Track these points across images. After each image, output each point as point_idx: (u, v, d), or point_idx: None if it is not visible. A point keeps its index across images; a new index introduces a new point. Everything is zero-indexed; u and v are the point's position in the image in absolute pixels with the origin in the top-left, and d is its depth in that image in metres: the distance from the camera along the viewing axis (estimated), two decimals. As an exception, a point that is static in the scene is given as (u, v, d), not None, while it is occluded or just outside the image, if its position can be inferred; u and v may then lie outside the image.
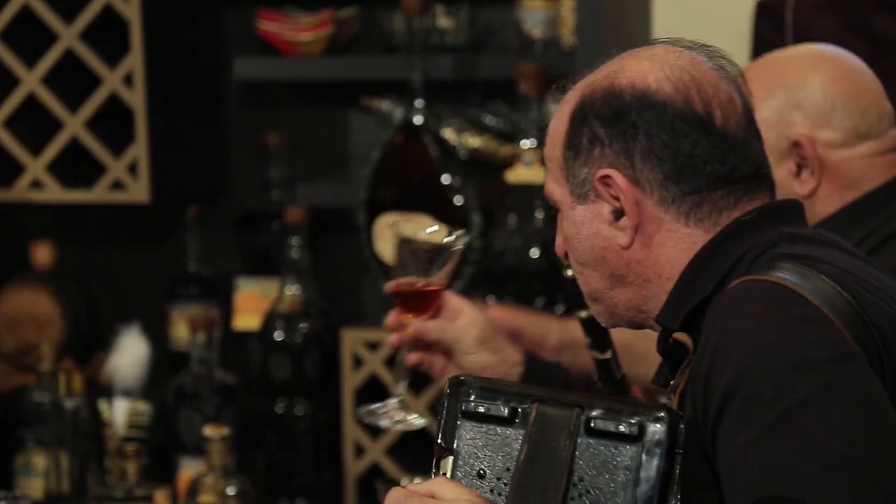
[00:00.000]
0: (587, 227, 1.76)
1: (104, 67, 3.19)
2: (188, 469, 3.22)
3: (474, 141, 3.18)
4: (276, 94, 3.40)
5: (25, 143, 3.27)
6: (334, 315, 3.27)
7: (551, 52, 3.10)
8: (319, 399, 3.24)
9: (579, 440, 1.59)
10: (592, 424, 1.60)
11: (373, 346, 3.14)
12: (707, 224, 1.72)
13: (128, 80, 3.18)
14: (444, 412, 1.64)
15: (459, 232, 2.18)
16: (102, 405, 3.27)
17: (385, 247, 3.09)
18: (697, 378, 1.62)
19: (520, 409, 1.62)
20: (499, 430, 1.62)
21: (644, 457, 1.58)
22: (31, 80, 3.23)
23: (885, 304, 1.67)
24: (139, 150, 3.21)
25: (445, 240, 2.14)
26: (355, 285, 3.37)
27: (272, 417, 3.24)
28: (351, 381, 3.15)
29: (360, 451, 3.14)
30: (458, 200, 3.05)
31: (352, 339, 3.15)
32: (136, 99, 3.18)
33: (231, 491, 2.92)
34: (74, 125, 3.23)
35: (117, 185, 3.24)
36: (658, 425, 1.59)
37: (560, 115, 1.79)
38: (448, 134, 3.15)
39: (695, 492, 1.58)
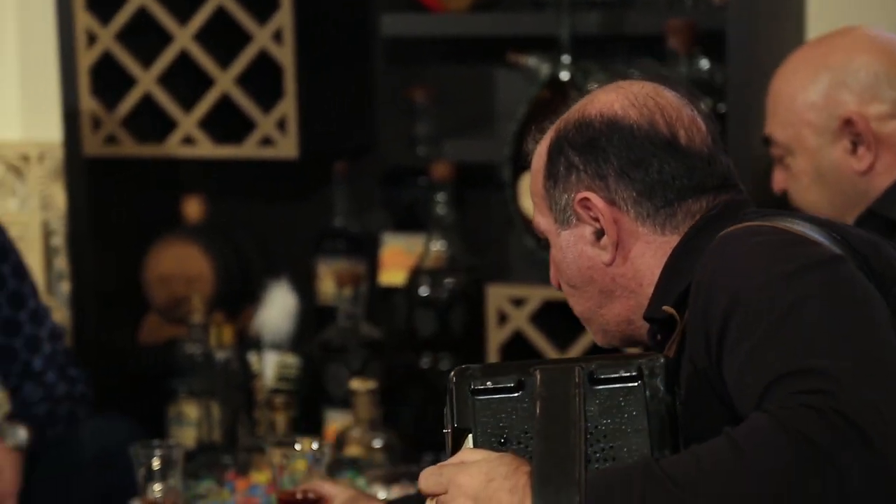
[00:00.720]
0: (572, 250, 1.89)
1: (254, 24, 3.23)
2: (335, 421, 3.26)
3: (622, 96, 3.16)
4: (422, 51, 3.41)
5: (178, 99, 3.33)
6: (479, 271, 3.28)
7: (701, 7, 3.07)
8: (464, 354, 3.25)
9: (587, 392, 1.67)
10: (595, 376, 1.68)
11: (518, 302, 3.15)
12: (682, 229, 1.85)
13: (277, 36, 3.22)
14: (454, 398, 1.72)
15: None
16: (252, 357, 3.32)
17: (530, 203, 3.09)
18: (696, 319, 1.71)
19: (524, 378, 1.69)
20: (509, 398, 1.69)
21: (648, 394, 1.66)
22: (183, 38, 3.29)
23: (870, 247, 1.75)
24: (288, 106, 3.24)
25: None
26: (500, 241, 3.37)
27: (417, 372, 3.27)
28: (496, 336, 3.16)
29: (505, 405, 3.15)
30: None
31: (497, 295, 3.16)
32: (285, 55, 3.22)
33: (377, 444, 2.95)
34: (225, 81, 3.28)
35: (266, 141, 3.28)
36: (656, 363, 1.68)
37: (539, 151, 1.94)
38: (595, 90, 3.14)
39: (705, 434, 1.62)
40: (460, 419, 1.70)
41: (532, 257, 3.20)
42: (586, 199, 1.86)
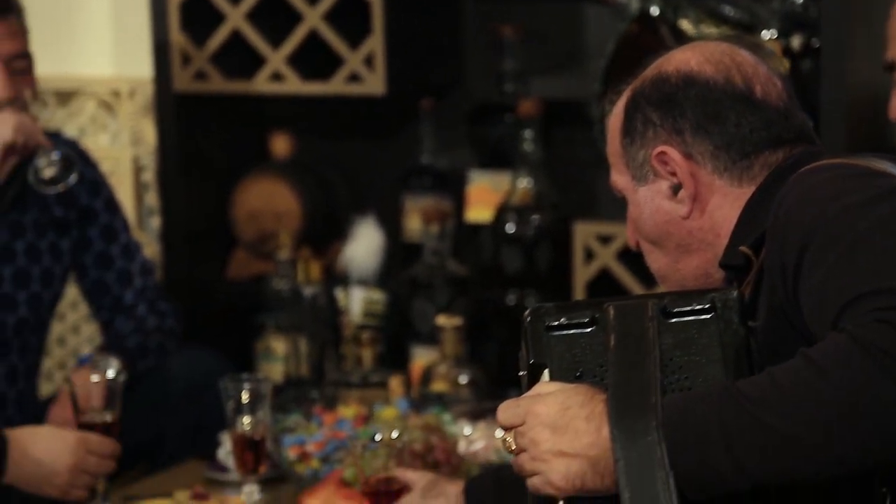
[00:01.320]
0: (650, 206, 1.90)
1: (342, -40, 3.23)
2: (421, 357, 3.28)
3: (712, 32, 3.13)
4: (510, -13, 3.40)
5: (266, 35, 3.34)
6: (566, 208, 3.28)
7: (793, -58, 3.03)
8: (550, 291, 3.26)
9: (661, 325, 1.67)
10: (668, 310, 1.68)
11: (605, 239, 3.14)
12: (758, 181, 1.86)
13: (365, -28, 3.22)
14: (529, 336, 1.71)
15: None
16: (339, 293, 3.34)
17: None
18: (772, 256, 1.72)
19: (597, 314, 1.69)
20: (583, 333, 1.69)
21: (722, 326, 1.66)
22: (271, -26, 3.29)
23: None
24: (375, 42, 3.24)
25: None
26: (587, 178, 3.36)
27: (503, 309, 3.27)
28: (582, 274, 3.16)
29: (590, 343, 3.15)
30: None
31: (583, 232, 3.16)
32: (373, -9, 3.22)
33: (463, 380, 2.96)
34: (313, 18, 3.28)
35: (354, 78, 3.28)
36: (729, 296, 1.68)
37: (615, 111, 1.95)
38: (685, 25, 3.11)
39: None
40: (536, 355, 1.71)
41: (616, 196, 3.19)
42: (663, 153, 1.87)
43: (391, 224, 3.43)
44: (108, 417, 2.46)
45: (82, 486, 2.38)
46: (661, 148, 1.87)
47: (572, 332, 1.70)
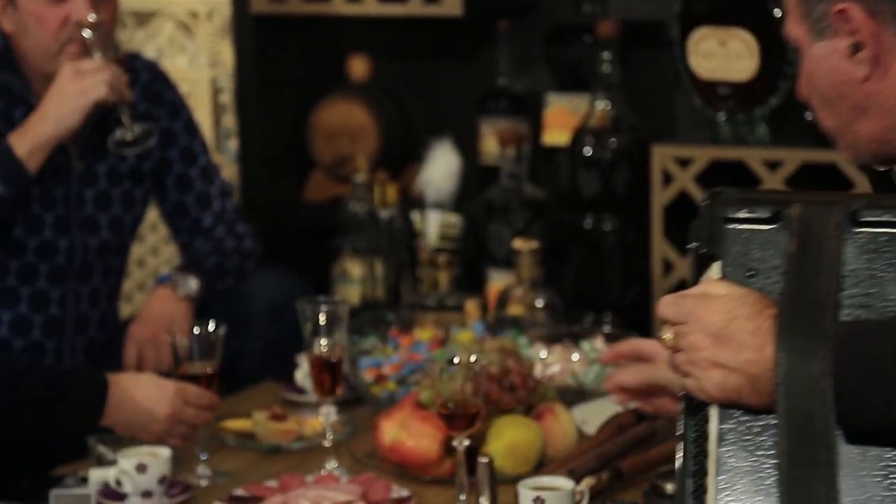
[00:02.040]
0: (825, 64, 1.79)
1: None
2: (497, 281, 3.27)
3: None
4: None
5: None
6: (644, 130, 3.25)
7: None
8: (628, 215, 3.24)
9: (846, 233, 1.57)
10: (857, 217, 1.58)
11: (683, 162, 3.11)
12: None
13: None
14: (705, 222, 1.63)
15: None
16: (415, 216, 3.34)
17: (698, 62, 3.04)
18: None
19: (781, 210, 1.60)
20: (763, 230, 1.60)
21: None
22: None
23: None
24: (453, -37, 3.22)
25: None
26: (666, 100, 3.33)
27: (580, 232, 3.26)
28: (660, 197, 3.13)
29: (668, 266, 3.14)
30: (776, 12, 2.97)
31: (662, 155, 3.13)
32: (450, -89, 3.19)
33: (539, 303, 2.95)
34: (390, -62, 3.26)
35: (431, -1, 3.27)
36: None
37: None
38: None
39: None
40: (708, 245, 1.62)
41: (698, 116, 3.16)
42: (845, 10, 1.75)
43: (467, 147, 3.42)
44: (207, 369, 2.48)
45: (178, 435, 2.41)
46: (843, 5, 1.75)
47: (752, 227, 1.60)
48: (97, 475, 2.34)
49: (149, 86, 2.99)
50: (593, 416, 2.63)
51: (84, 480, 2.36)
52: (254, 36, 3.41)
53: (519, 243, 2.95)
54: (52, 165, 2.85)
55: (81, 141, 2.90)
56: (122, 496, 2.32)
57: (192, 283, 2.84)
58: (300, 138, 3.54)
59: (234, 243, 3.01)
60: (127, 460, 2.31)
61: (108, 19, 2.84)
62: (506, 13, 3.41)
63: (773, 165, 3.04)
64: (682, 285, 3.06)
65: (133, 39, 3.75)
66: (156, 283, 2.92)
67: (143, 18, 3.75)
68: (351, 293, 3.33)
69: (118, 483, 2.32)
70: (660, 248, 3.14)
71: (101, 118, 2.91)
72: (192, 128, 3.05)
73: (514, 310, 2.95)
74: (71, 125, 2.74)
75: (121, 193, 2.95)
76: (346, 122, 3.51)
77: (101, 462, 2.45)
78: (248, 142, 3.47)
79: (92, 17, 2.78)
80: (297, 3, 3.37)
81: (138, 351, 2.89)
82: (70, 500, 2.33)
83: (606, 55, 3.21)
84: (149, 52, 3.71)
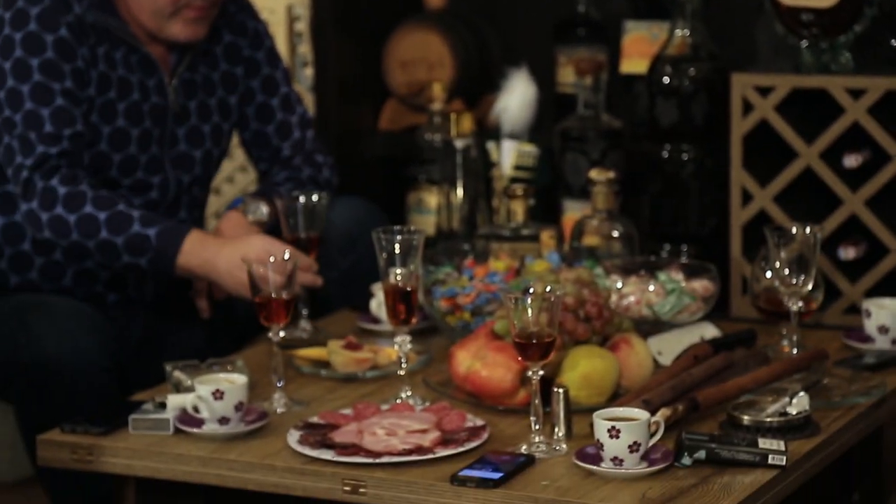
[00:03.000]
0: None
1: None
2: (573, 211, 3.25)
3: None
4: None
5: None
6: (724, 58, 3.20)
7: None
8: (706, 144, 3.20)
9: None
10: None
11: (764, 90, 3.06)
12: None
13: None
14: None
15: None
16: (491, 146, 3.32)
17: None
18: None
19: None
20: None
21: None
22: None
23: None
24: None
25: None
26: (747, 28, 3.28)
27: (658, 162, 3.23)
28: (740, 127, 3.09)
29: (747, 197, 3.10)
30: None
31: (742, 84, 3.08)
32: None
33: (615, 233, 2.93)
34: None
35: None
36: None
37: None
38: None
39: None
40: None
41: (780, 44, 3.10)
42: None
43: (544, 76, 3.39)
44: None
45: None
46: None
47: None
48: (175, 401, 2.36)
49: (234, 16, 2.99)
50: (669, 346, 2.62)
51: (162, 406, 2.38)
52: (329, -37, 3.39)
53: (595, 173, 2.93)
54: (152, 105, 2.85)
55: (177, 79, 2.90)
56: (200, 422, 2.34)
57: (263, 208, 2.85)
58: (375, 67, 3.52)
59: (312, 172, 3.01)
60: (204, 387, 2.33)
61: None
62: (584, -60, 3.37)
63: (856, 94, 2.99)
64: (760, 215, 3.04)
65: (209, -33, 3.73)
66: (227, 208, 2.92)
67: (219, -54, 3.73)
68: (426, 223, 3.32)
69: (195, 409, 2.34)
70: (739, 178, 3.10)
71: (193, 55, 2.91)
72: (273, 57, 3.04)
73: (590, 240, 2.93)
74: (229, 291, 2.75)
75: (210, 128, 2.95)
76: (421, 50, 3.49)
77: (179, 388, 2.47)
78: (324, 70, 3.46)
79: None
80: (374, -70, 3.34)
81: (255, 269, 2.89)
82: (149, 425, 2.35)
83: (687, -19, 3.16)
84: (224, -19, 3.69)
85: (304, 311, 2.77)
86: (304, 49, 3.73)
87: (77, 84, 2.75)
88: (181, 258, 2.71)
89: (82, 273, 2.87)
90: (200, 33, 2.84)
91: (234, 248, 2.69)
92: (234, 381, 2.36)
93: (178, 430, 2.35)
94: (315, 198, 2.71)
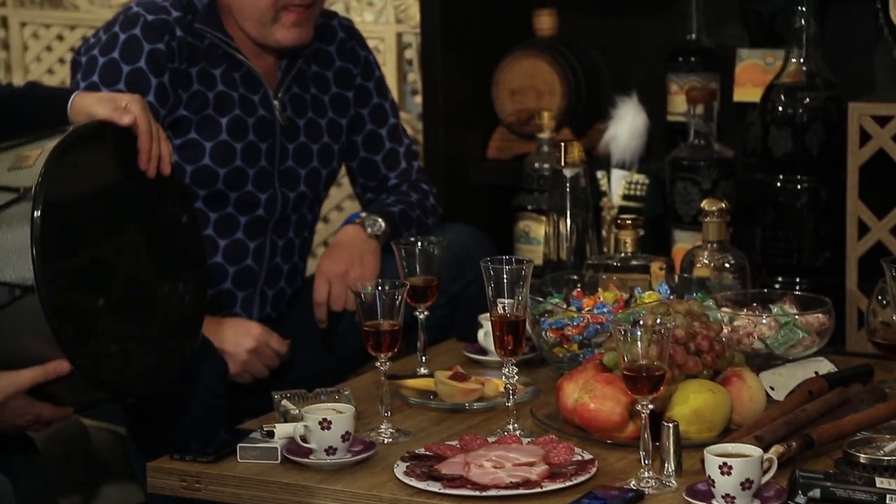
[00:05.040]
0: None
1: None
2: (683, 242, 3.21)
3: None
4: None
5: None
6: (841, 87, 3.14)
7: None
8: (821, 174, 3.14)
9: None
10: None
11: (882, 120, 3.00)
12: None
13: None
14: None
15: None
16: (600, 175, 3.29)
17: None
18: None
19: None
20: None
21: None
22: None
23: None
24: (643, -85, 3.15)
25: None
26: (865, 55, 3.22)
27: (771, 192, 3.17)
28: (856, 156, 3.03)
29: (863, 229, 3.04)
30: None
31: (859, 113, 3.02)
32: None
33: (727, 265, 2.89)
34: None
35: (620, -48, 3.20)
36: None
37: None
38: None
39: None
40: None
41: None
42: None
43: (655, 104, 3.35)
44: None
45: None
46: None
47: None
48: (283, 429, 2.36)
49: (345, 43, 3.02)
50: (782, 381, 2.57)
51: (270, 435, 2.37)
52: (440, -9, 3.39)
53: (707, 203, 2.89)
54: (259, 119, 2.87)
55: (283, 94, 2.92)
56: (307, 451, 2.33)
57: (380, 222, 2.88)
58: (484, 94, 3.51)
59: (419, 197, 3.03)
60: (312, 416, 2.32)
61: None
62: (697, -34, 3.33)
63: (976, 124, 2.92)
64: (877, 247, 2.97)
65: (319, -5, 3.75)
66: (344, 223, 2.95)
67: (330, -26, 3.75)
68: (534, 253, 3.30)
69: (303, 438, 2.33)
70: (855, 209, 3.04)
71: (298, 72, 2.93)
72: (383, 88, 3.08)
73: (701, 272, 2.89)
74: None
75: (319, 147, 2.97)
76: (530, 78, 3.47)
77: (287, 417, 2.47)
78: (433, 98, 3.45)
79: None
80: (484, -43, 3.33)
81: (328, 287, 2.91)
82: (256, 454, 2.35)
83: (803, 9, 3.10)
84: (337, 7, 3.72)
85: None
86: (414, 77, 3.73)
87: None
88: None
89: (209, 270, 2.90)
90: (304, 36, 2.86)
91: (233, 329, 2.73)
92: (341, 411, 2.35)
93: (285, 459, 2.34)
94: (433, 243, 2.69)
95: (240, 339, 2.82)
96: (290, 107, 2.93)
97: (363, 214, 2.95)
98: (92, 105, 2.43)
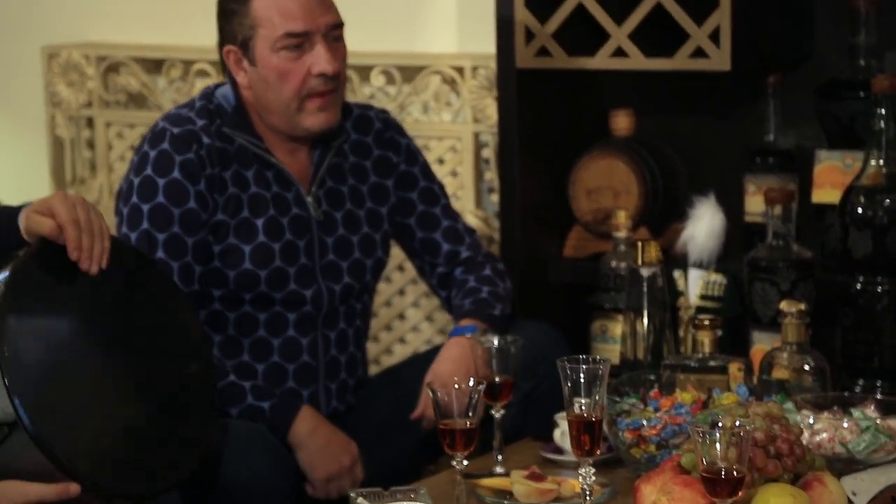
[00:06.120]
0: None
1: (691, -67, 3.16)
2: (762, 343, 3.18)
3: None
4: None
5: (610, 11, 3.29)
6: (921, 190, 3.12)
7: None
8: (902, 277, 3.11)
9: None
10: None
11: (963, 223, 2.98)
12: None
13: (714, -55, 3.14)
14: None
15: None
16: (677, 275, 3.27)
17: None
18: None
19: None
20: None
21: None
22: (617, -52, 3.25)
23: None
24: (722, 16, 3.15)
25: None
26: (946, 159, 3.20)
27: (851, 294, 3.14)
28: (937, 260, 3.00)
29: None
30: None
31: (940, 216, 3.00)
32: (720, -35, 3.13)
33: (806, 367, 2.86)
34: (658, -8, 3.22)
35: (698, 53, 3.21)
36: None
37: None
38: None
39: None
40: None
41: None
42: None
43: (732, 204, 3.35)
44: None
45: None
46: None
47: None
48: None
49: (382, 133, 3.04)
50: (864, 486, 2.53)
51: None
52: (518, 91, 3.40)
53: (786, 305, 2.87)
54: (292, 218, 2.89)
55: (316, 189, 2.94)
56: (381, 548, 2.32)
57: (494, 339, 2.83)
58: (561, 193, 3.52)
59: (505, 287, 3.04)
60: (386, 514, 2.31)
61: (343, 69, 2.89)
62: (776, 67, 3.33)
63: None
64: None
65: (400, 94, 3.78)
66: (451, 334, 2.93)
67: (410, 74, 3.79)
68: (610, 352, 3.28)
69: (378, 535, 2.32)
70: (936, 312, 3.01)
71: (332, 166, 2.95)
72: (429, 172, 3.10)
73: (780, 373, 2.87)
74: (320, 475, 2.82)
75: (360, 238, 2.98)
76: (607, 177, 3.47)
77: (362, 514, 2.46)
78: (510, 196, 3.46)
79: (332, 69, 2.83)
80: (562, 58, 3.35)
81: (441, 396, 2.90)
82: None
83: (882, 111, 3.09)
84: (414, 107, 3.75)
85: (495, 442, 2.65)
86: (491, 175, 3.75)
87: (186, 229, 2.78)
88: (291, 436, 2.74)
89: (269, 370, 2.90)
90: (332, 120, 2.89)
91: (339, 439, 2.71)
92: (417, 509, 2.34)
93: (361, 557, 2.33)
94: (509, 342, 2.67)
95: (337, 454, 2.80)
96: (325, 201, 2.94)
97: (480, 328, 2.92)
98: (25, 220, 2.37)
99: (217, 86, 2.96)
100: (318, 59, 2.84)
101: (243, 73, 2.88)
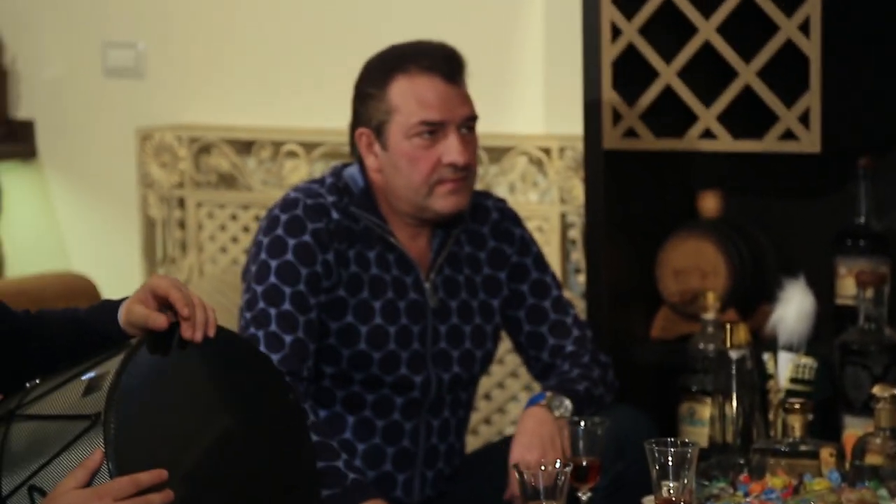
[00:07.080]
0: None
1: (781, 15, 3.14)
2: (854, 428, 3.13)
3: None
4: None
5: (698, 92, 3.29)
6: None
7: None
8: None
9: None
10: None
11: None
12: None
13: (804, 27, 3.12)
14: None
15: None
16: (767, 357, 3.24)
17: None
18: None
19: None
20: None
21: None
22: (707, 30, 3.23)
23: None
24: (812, 98, 3.14)
25: None
26: None
27: (944, 379, 3.10)
28: None
29: None
30: None
31: None
32: (811, 46, 3.12)
33: (900, 453, 2.81)
34: (747, 74, 3.20)
35: (788, 135, 3.19)
36: None
37: None
38: None
39: None
40: None
41: None
42: None
43: (823, 287, 3.31)
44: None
45: None
46: None
47: None
48: None
49: (498, 224, 3.03)
50: (960, 576, 2.48)
51: None
52: (605, 171, 3.40)
53: (879, 389, 2.83)
54: (409, 303, 2.89)
55: (434, 276, 2.94)
56: None
57: (567, 402, 2.82)
58: (648, 274, 3.50)
59: (601, 373, 3.00)
60: None
61: (475, 160, 2.90)
62: (867, 149, 3.30)
63: None
64: None
65: (487, 175, 3.80)
66: (528, 404, 2.90)
67: (498, 154, 3.80)
68: (698, 435, 3.25)
69: None
70: None
71: (449, 254, 2.95)
72: (541, 263, 3.07)
73: (873, 459, 2.82)
74: None
75: (471, 329, 2.97)
76: (695, 258, 3.45)
77: None
78: (596, 277, 3.45)
79: (463, 160, 2.84)
80: (650, 139, 3.35)
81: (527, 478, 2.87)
82: None
83: (975, 194, 3.07)
84: (501, 188, 3.76)
85: None
86: (577, 256, 3.74)
87: (311, 289, 2.79)
88: None
89: (368, 450, 2.90)
90: (462, 203, 2.89)
91: None
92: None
93: None
94: (596, 423, 2.66)
95: None
96: (441, 289, 2.94)
97: (549, 394, 2.89)
98: (125, 314, 2.30)
99: (345, 165, 2.98)
100: (450, 149, 2.86)
101: (373, 156, 2.90)
